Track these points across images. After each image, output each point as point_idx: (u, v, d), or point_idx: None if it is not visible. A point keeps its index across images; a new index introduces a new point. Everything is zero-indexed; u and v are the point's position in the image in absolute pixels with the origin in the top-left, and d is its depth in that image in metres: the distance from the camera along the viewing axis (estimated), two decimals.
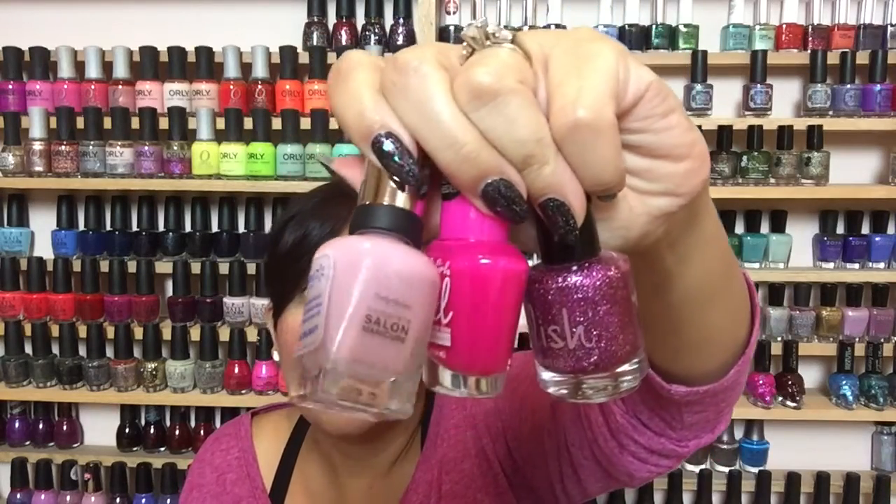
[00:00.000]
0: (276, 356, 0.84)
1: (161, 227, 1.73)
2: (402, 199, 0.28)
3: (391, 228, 0.27)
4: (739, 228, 1.69)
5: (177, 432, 1.72)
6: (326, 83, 0.39)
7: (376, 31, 1.64)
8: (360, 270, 0.26)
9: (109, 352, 1.69)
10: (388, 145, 0.27)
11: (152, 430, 1.73)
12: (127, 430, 1.74)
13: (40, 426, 1.76)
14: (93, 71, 1.66)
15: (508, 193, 0.28)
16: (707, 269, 0.41)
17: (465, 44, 0.29)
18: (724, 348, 0.47)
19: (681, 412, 0.50)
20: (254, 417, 0.93)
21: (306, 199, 0.81)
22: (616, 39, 0.31)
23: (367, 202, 0.28)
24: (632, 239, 0.34)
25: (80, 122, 1.64)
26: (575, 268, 0.30)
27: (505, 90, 0.27)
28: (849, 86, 1.56)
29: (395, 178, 0.28)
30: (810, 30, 1.61)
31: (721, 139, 1.58)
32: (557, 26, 1.61)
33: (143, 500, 1.70)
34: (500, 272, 0.28)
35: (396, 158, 0.27)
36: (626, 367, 0.31)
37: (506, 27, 0.33)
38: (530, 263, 0.30)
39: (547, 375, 0.31)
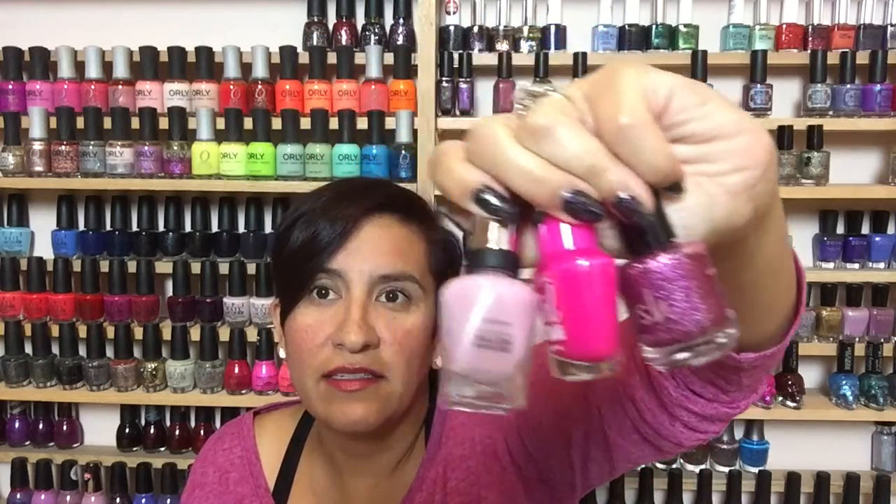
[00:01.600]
0: (282, 353, 0.84)
1: (161, 227, 1.73)
2: (501, 239, 0.35)
3: (494, 265, 0.35)
4: None
5: (177, 432, 1.72)
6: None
7: (376, 31, 1.64)
8: (475, 299, 0.34)
9: (109, 352, 1.69)
10: (482, 195, 0.35)
11: (152, 430, 1.73)
12: (127, 430, 1.74)
13: (40, 426, 1.76)
14: (93, 71, 1.66)
15: (582, 199, 0.34)
16: (778, 239, 0.45)
17: (518, 108, 0.35)
18: (784, 312, 0.51)
19: (740, 377, 0.54)
20: (256, 417, 0.93)
21: (314, 197, 0.81)
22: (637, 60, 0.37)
23: (476, 247, 0.36)
24: (719, 220, 0.37)
25: (80, 122, 1.64)
26: (650, 255, 0.35)
27: (554, 124, 0.34)
28: (849, 86, 1.56)
29: (494, 217, 0.35)
30: (810, 30, 1.61)
31: None
32: (557, 27, 1.61)
33: (143, 500, 1.70)
34: (588, 269, 0.34)
35: (491, 202, 0.35)
36: (714, 335, 0.35)
37: (545, 83, 0.38)
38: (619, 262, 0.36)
39: (647, 351, 0.37)
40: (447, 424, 0.81)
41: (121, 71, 1.66)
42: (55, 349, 1.69)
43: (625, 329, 0.37)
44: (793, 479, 1.64)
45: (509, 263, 0.35)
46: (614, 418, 0.65)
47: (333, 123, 1.60)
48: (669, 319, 0.35)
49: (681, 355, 0.36)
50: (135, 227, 1.74)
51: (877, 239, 1.64)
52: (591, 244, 0.35)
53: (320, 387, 0.76)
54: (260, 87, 1.63)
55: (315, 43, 1.64)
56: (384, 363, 0.75)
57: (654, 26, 1.61)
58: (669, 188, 0.35)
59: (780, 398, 1.61)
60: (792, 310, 0.51)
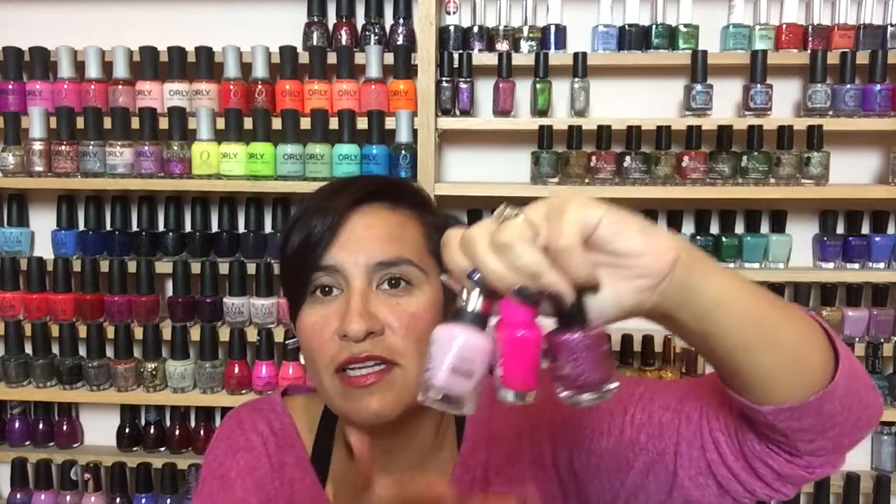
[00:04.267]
0: (302, 359, 0.86)
1: (161, 227, 1.73)
2: (476, 303, 0.52)
3: (469, 321, 0.52)
4: (739, 228, 1.69)
5: (177, 432, 1.72)
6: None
7: (376, 31, 1.64)
8: (452, 343, 0.52)
9: (109, 352, 1.69)
10: (471, 276, 0.52)
11: (152, 430, 1.73)
12: (127, 430, 1.74)
13: (40, 426, 1.76)
14: (93, 71, 1.66)
15: (525, 292, 0.51)
16: (735, 325, 0.57)
17: (497, 218, 0.52)
18: (790, 383, 0.60)
19: (793, 439, 0.62)
20: (284, 397, 0.94)
21: (309, 198, 0.82)
22: (584, 197, 0.54)
23: (459, 305, 0.52)
24: (626, 308, 0.54)
25: (80, 122, 1.64)
26: (568, 331, 0.52)
27: (514, 242, 0.50)
28: (849, 86, 1.56)
29: (477, 287, 0.52)
30: (810, 30, 1.61)
31: (721, 139, 1.58)
32: (557, 27, 1.61)
33: (143, 500, 1.70)
34: (520, 337, 0.52)
35: (474, 279, 0.52)
36: (603, 387, 0.53)
37: (513, 209, 0.53)
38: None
39: (560, 392, 0.53)
40: (493, 428, 0.83)
41: (121, 71, 1.66)
42: (55, 349, 1.69)
43: (547, 374, 0.54)
44: None
45: (479, 320, 0.52)
46: (691, 458, 0.70)
47: (333, 123, 1.60)
48: (574, 374, 0.52)
49: (582, 397, 0.53)
50: (135, 227, 1.74)
51: (877, 239, 1.64)
52: (529, 318, 0.51)
53: (336, 383, 0.77)
54: (260, 87, 1.63)
55: (315, 43, 1.64)
56: (394, 350, 0.75)
57: (654, 26, 1.61)
58: (588, 288, 0.52)
59: None
60: (821, 376, 0.60)
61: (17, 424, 1.75)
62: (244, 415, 0.92)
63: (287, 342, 1.63)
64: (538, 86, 1.60)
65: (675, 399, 0.73)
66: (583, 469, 0.78)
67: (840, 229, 1.69)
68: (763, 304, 0.58)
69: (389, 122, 1.60)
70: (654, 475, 0.72)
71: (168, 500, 1.69)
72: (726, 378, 0.63)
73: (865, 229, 1.68)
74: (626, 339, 1.62)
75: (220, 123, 1.62)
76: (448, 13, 1.64)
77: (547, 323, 0.53)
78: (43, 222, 1.78)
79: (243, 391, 1.66)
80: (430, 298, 0.79)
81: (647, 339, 1.61)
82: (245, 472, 0.87)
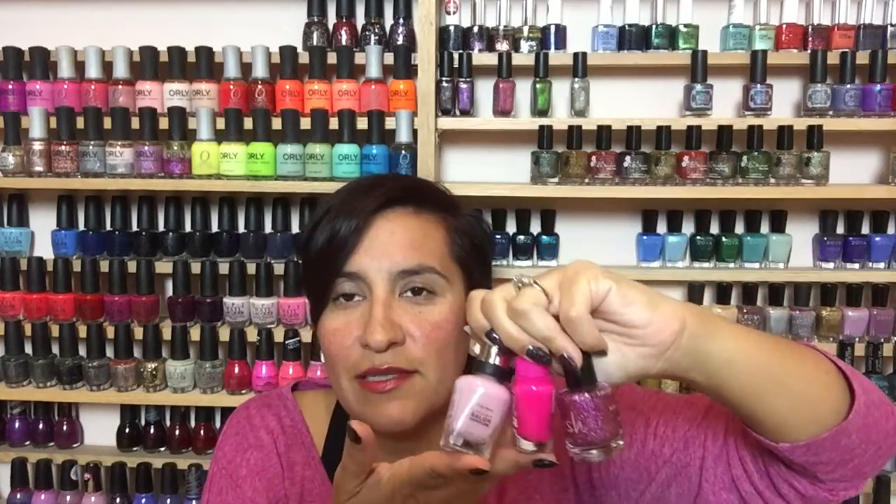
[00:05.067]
0: (322, 357, 0.86)
1: (161, 227, 1.73)
2: (495, 357, 0.58)
3: (488, 373, 0.57)
4: (739, 228, 1.69)
5: (177, 432, 1.72)
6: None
7: (376, 31, 1.64)
8: (473, 393, 0.57)
9: (109, 352, 1.69)
10: (489, 334, 0.58)
11: (152, 430, 1.73)
12: (127, 430, 1.74)
13: (40, 426, 1.76)
14: (93, 71, 1.66)
15: (538, 353, 0.56)
16: (744, 379, 0.60)
17: (516, 284, 0.58)
18: (804, 423, 0.62)
19: (812, 470, 0.64)
20: (294, 392, 0.93)
21: (333, 197, 0.82)
22: (593, 263, 0.59)
23: (481, 359, 0.58)
24: (632, 373, 0.58)
25: (80, 122, 1.64)
26: (577, 391, 0.56)
27: (528, 309, 0.55)
28: (849, 86, 1.56)
29: (496, 346, 0.58)
30: (810, 30, 1.61)
31: (721, 139, 1.58)
32: (557, 27, 1.61)
33: (143, 500, 1.70)
34: (534, 392, 0.56)
35: (493, 337, 0.58)
36: (610, 444, 0.57)
37: (525, 278, 0.59)
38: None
39: (569, 447, 0.58)
40: None
41: (121, 71, 1.66)
42: (55, 349, 1.69)
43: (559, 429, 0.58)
44: None
45: (497, 373, 0.57)
46: (716, 473, 0.71)
47: (333, 123, 1.60)
48: (583, 432, 0.56)
49: (590, 454, 0.57)
50: (135, 227, 1.74)
51: (877, 239, 1.64)
52: (543, 374, 0.56)
53: (355, 388, 0.77)
54: (260, 87, 1.63)
55: (315, 43, 1.64)
56: (414, 359, 0.75)
57: (654, 26, 1.61)
58: (596, 353, 0.57)
59: None
60: (837, 412, 0.63)
61: (17, 424, 1.75)
62: (254, 409, 0.92)
63: (287, 342, 1.63)
64: (538, 86, 1.60)
65: (700, 413, 0.74)
66: (601, 479, 0.78)
67: (840, 229, 1.69)
68: (773, 354, 0.61)
69: (389, 122, 1.60)
70: (678, 487, 0.73)
71: (168, 500, 1.69)
72: (741, 419, 0.65)
73: (865, 229, 1.68)
74: None
75: (220, 123, 1.62)
76: (448, 13, 1.64)
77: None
78: (43, 222, 1.78)
79: (243, 391, 1.66)
80: (451, 306, 0.78)
81: None
82: (255, 472, 0.86)
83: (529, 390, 0.56)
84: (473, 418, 0.56)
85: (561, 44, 1.63)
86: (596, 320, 0.56)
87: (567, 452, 0.80)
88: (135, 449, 1.75)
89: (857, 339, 1.62)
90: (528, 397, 0.56)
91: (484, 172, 1.73)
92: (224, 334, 1.65)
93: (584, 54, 1.59)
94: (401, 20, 1.64)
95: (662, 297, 0.58)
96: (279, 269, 1.66)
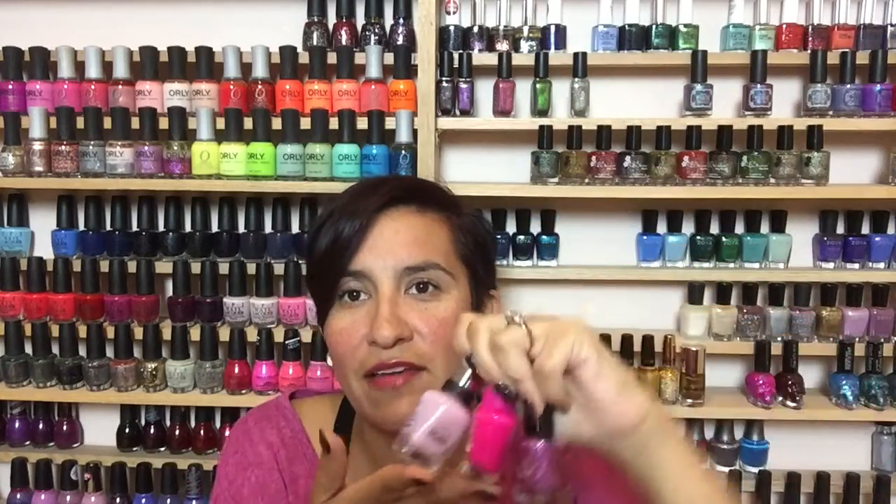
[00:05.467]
0: (329, 360, 0.86)
1: (161, 227, 1.73)
2: (466, 380, 0.60)
3: (455, 393, 0.59)
4: (739, 228, 1.69)
5: (177, 432, 1.72)
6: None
7: (376, 31, 1.64)
8: (436, 410, 0.58)
9: (109, 352, 1.69)
10: (468, 358, 0.60)
11: (152, 430, 1.73)
12: (127, 430, 1.74)
13: (40, 426, 1.76)
14: (93, 71, 1.66)
15: (504, 389, 0.57)
16: (669, 489, 0.61)
17: (506, 322, 0.59)
18: None
19: None
20: (293, 399, 0.93)
21: (335, 200, 0.82)
22: (586, 325, 0.60)
23: (453, 379, 0.60)
24: (581, 441, 0.60)
25: (80, 122, 1.64)
26: (534, 438, 0.59)
27: (508, 348, 0.57)
28: (849, 86, 1.56)
29: (470, 370, 0.59)
30: (810, 30, 1.61)
31: (721, 139, 1.58)
32: (557, 27, 1.61)
33: (143, 500, 1.70)
34: (491, 421, 0.57)
35: (469, 361, 0.60)
36: (555, 495, 0.59)
37: (517, 315, 0.60)
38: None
39: (516, 494, 0.60)
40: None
41: (121, 71, 1.66)
42: (55, 349, 1.69)
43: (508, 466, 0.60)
44: (793, 479, 1.64)
45: (464, 396, 0.59)
46: None
47: (333, 123, 1.60)
48: (532, 479, 0.59)
49: (535, 500, 0.59)
50: (135, 227, 1.74)
51: (877, 239, 1.64)
52: (507, 408, 0.58)
53: (364, 387, 0.77)
54: (260, 87, 1.63)
55: (315, 43, 1.64)
56: (422, 355, 0.75)
57: (654, 26, 1.61)
58: (559, 407, 0.59)
59: (780, 398, 1.61)
60: None
61: (17, 424, 1.75)
62: (252, 423, 0.91)
63: (287, 342, 1.63)
64: (538, 86, 1.60)
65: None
66: None
67: (840, 229, 1.69)
68: (702, 489, 0.63)
69: (389, 122, 1.59)
70: None
71: (168, 500, 1.69)
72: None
73: (865, 229, 1.68)
74: (626, 339, 1.62)
75: (220, 123, 1.62)
76: (448, 13, 1.64)
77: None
78: (43, 222, 1.78)
79: (243, 391, 1.66)
80: (458, 302, 0.79)
81: (647, 339, 1.61)
82: (257, 490, 0.86)
83: (490, 418, 0.57)
84: (431, 434, 0.58)
85: (561, 44, 1.63)
86: (567, 379, 0.58)
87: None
88: (135, 449, 1.75)
89: (857, 339, 1.62)
90: (486, 424, 0.57)
91: (484, 172, 1.73)
92: (224, 334, 1.65)
93: (584, 54, 1.59)
94: (401, 20, 1.64)
95: (635, 387, 0.60)
96: (279, 269, 1.66)
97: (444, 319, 0.77)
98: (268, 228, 1.72)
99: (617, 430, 0.59)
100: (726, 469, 1.66)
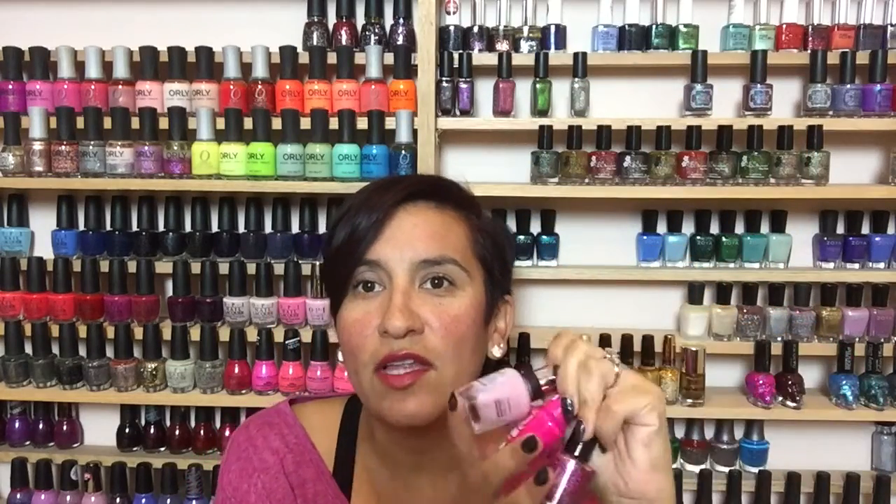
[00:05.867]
0: (340, 357, 0.85)
1: (161, 227, 1.73)
2: (543, 382, 0.64)
3: (531, 386, 0.64)
4: (739, 228, 1.69)
5: (177, 432, 1.72)
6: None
7: (376, 31, 1.64)
8: (511, 388, 0.63)
9: (109, 352, 1.69)
10: (555, 367, 0.65)
11: (152, 430, 1.73)
12: (127, 430, 1.74)
13: (40, 426, 1.76)
14: (93, 71, 1.66)
15: (568, 405, 0.62)
16: None
17: (605, 355, 0.64)
18: None
19: None
20: (292, 406, 0.93)
21: (354, 195, 0.82)
22: (655, 386, 0.65)
23: (536, 374, 0.65)
24: (599, 482, 0.63)
25: (80, 122, 1.64)
26: (571, 456, 0.62)
27: (596, 376, 0.61)
28: (849, 86, 1.56)
29: (552, 375, 0.64)
30: (810, 30, 1.61)
31: (721, 139, 1.58)
32: (557, 27, 1.61)
33: (143, 500, 1.70)
34: (545, 423, 0.62)
35: (553, 370, 0.65)
36: None
37: (614, 355, 0.65)
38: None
39: (545, 501, 0.62)
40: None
41: (121, 71, 1.66)
42: (55, 349, 1.69)
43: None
44: (793, 479, 1.64)
45: (537, 391, 0.64)
46: None
47: (333, 123, 1.60)
48: (554, 490, 0.61)
49: None
50: (135, 227, 1.74)
51: (877, 239, 1.64)
52: (561, 420, 0.62)
53: (374, 382, 0.76)
54: (260, 87, 1.63)
55: (315, 43, 1.64)
56: (431, 349, 0.75)
57: (654, 26, 1.61)
58: (602, 444, 0.62)
59: (780, 398, 1.61)
60: None
61: (17, 424, 1.75)
62: (254, 430, 0.90)
63: (287, 342, 1.63)
64: (538, 86, 1.60)
65: None
66: None
67: (840, 229, 1.69)
68: None
69: (389, 122, 1.60)
70: None
71: (168, 500, 1.69)
72: None
73: (865, 229, 1.68)
74: (626, 339, 1.62)
75: (220, 123, 1.62)
76: (448, 13, 1.64)
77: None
78: (43, 222, 1.78)
79: (243, 391, 1.66)
80: (471, 301, 0.78)
81: (647, 339, 1.61)
82: (264, 496, 0.85)
83: (544, 420, 0.62)
84: (496, 403, 0.62)
85: (561, 44, 1.63)
86: (622, 427, 0.62)
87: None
88: (135, 449, 1.75)
89: (857, 339, 1.62)
90: (539, 424, 0.62)
91: (484, 172, 1.73)
92: (224, 334, 1.65)
93: (584, 54, 1.59)
94: (401, 20, 1.64)
95: (669, 471, 0.64)
96: (279, 269, 1.66)
97: (457, 316, 0.76)
98: (268, 228, 1.72)
99: (631, 493, 0.62)
100: (726, 469, 1.66)
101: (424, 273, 0.77)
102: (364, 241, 0.77)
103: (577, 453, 0.62)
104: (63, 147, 1.62)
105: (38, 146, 1.62)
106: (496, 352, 0.85)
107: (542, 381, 0.64)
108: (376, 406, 0.77)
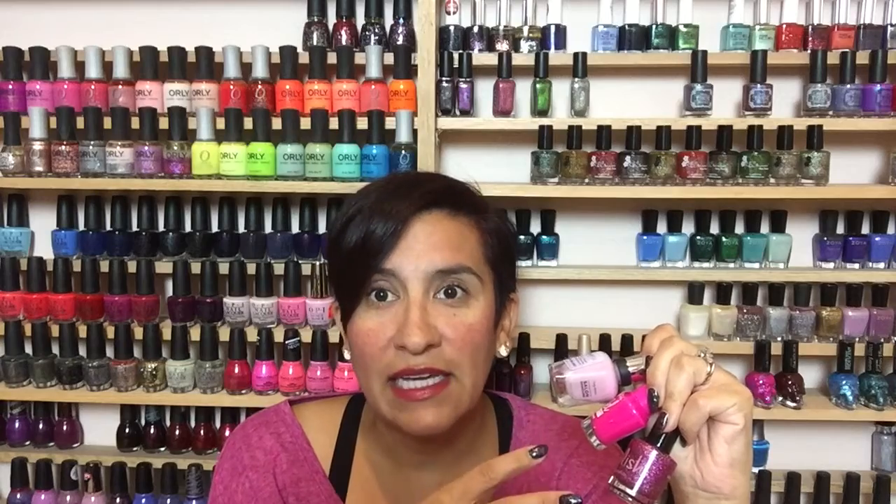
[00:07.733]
0: (346, 355, 0.84)
1: (161, 227, 1.73)
2: (634, 370, 0.67)
3: (620, 372, 0.67)
4: (739, 228, 1.69)
5: (177, 432, 1.72)
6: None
7: (376, 31, 1.64)
8: (600, 370, 0.67)
9: (109, 352, 1.69)
10: (647, 358, 0.67)
11: (152, 430, 1.73)
12: (127, 430, 1.74)
13: (40, 426, 1.76)
14: (93, 71, 1.66)
15: (654, 395, 0.64)
16: None
17: (699, 353, 0.65)
18: None
19: None
20: (293, 406, 0.93)
21: (364, 195, 0.81)
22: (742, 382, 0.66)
23: (626, 360, 0.68)
24: (677, 474, 0.66)
25: (80, 122, 1.64)
26: (654, 445, 0.64)
27: (685, 370, 0.63)
28: (849, 86, 1.56)
29: (643, 364, 0.67)
30: (810, 30, 1.61)
31: (721, 139, 1.58)
32: (557, 27, 1.61)
33: (143, 500, 1.70)
34: (631, 414, 0.64)
35: (648, 361, 0.67)
36: (641, 500, 0.63)
37: (708, 354, 0.66)
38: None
39: (611, 479, 0.65)
40: (559, 455, 0.86)
41: (121, 71, 1.66)
42: (55, 349, 1.69)
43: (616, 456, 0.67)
44: (793, 479, 1.64)
45: (626, 377, 0.67)
46: None
47: (333, 123, 1.60)
48: (632, 475, 0.63)
49: (623, 492, 0.63)
50: (135, 227, 1.74)
51: (877, 239, 1.64)
52: (646, 410, 0.64)
53: (387, 392, 0.76)
54: (260, 87, 1.63)
55: (315, 43, 1.64)
56: (449, 361, 0.75)
57: (654, 26, 1.61)
58: (684, 437, 0.65)
59: (780, 398, 1.61)
60: None
61: (17, 424, 1.75)
62: (250, 430, 0.90)
63: (287, 342, 1.63)
64: (538, 86, 1.60)
65: None
66: None
67: (840, 229, 1.69)
68: None
69: (389, 122, 1.60)
70: None
71: (168, 500, 1.69)
72: None
73: (865, 229, 1.68)
74: (626, 339, 1.62)
75: (220, 123, 1.62)
76: (448, 13, 1.64)
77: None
78: (43, 222, 1.78)
79: (243, 391, 1.66)
80: (484, 309, 0.78)
81: None
82: (250, 495, 0.85)
83: (628, 407, 0.64)
84: (583, 383, 0.66)
85: (561, 44, 1.63)
86: (707, 423, 0.64)
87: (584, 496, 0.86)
88: (135, 449, 1.75)
89: (857, 339, 1.62)
90: (623, 410, 0.64)
91: (484, 172, 1.73)
92: (224, 334, 1.65)
93: (584, 54, 1.59)
94: (401, 20, 1.64)
95: (747, 471, 0.65)
96: (279, 269, 1.66)
97: (472, 326, 0.76)
98: (268, 228, 1.72)
99: (707, 486, 0.64)
100: None
101: (439, 283, 0.76)
102: (381, 253, 0.76)
103: (659, 444, 0.63)
104: (63, 147, 1.62)
105: (38, 146, 1.62)
106: (502, 350, 0.85)
107: (632, 370, 0.66)
108: (391, 416, 0.77)
